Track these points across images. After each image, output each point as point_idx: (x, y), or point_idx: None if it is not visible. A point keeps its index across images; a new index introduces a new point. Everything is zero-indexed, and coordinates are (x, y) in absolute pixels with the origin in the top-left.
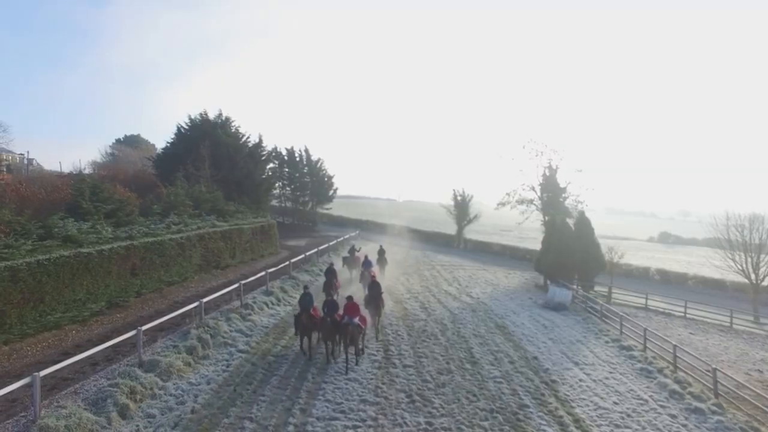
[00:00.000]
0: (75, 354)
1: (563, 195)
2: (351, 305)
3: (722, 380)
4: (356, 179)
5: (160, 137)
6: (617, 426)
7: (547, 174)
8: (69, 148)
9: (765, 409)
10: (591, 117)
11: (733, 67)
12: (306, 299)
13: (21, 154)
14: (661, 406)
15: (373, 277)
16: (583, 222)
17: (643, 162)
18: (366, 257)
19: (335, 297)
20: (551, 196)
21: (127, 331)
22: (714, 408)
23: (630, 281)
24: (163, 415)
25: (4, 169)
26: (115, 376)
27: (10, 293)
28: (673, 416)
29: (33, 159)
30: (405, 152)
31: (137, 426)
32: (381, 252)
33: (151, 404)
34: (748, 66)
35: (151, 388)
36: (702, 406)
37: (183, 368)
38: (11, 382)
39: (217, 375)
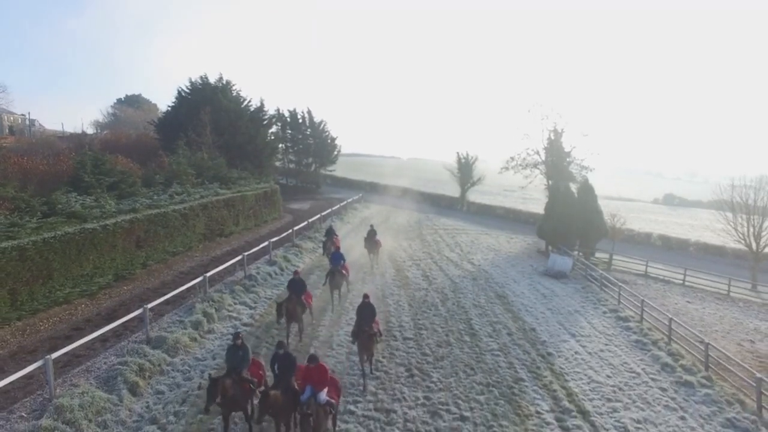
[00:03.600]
0: (85, 328)
1: (568, 159)
2: (315, 370)
3: (714, 351)
4: (361, 137)
5: (161, 96)
6: (608, 399)
7: (552, 138)
8: (70, 107)
9: (751, 382)
10: (600, 75)
11: (748, 26)
12: (236, 355)
13: (22, 115)
14: (653, 379)
15: (366, 297)
16: (587, 189)
17: (653, 122)
18: (337, 249)
19: (297, 334)
20: (556, 160)
21: (134, 303)
22: (703, 381)
23: (632, 247)
24: (171, 391)
25: (7, 131)
26: (124, 354)
27: (19, 272)
28: (663, 389)
29: (35, 120)
30: (411, 109)
31: (147, 403)
32: (371, 233)
33: (159, 380)
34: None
35: (159, 365)
36: (692, 379)
37: (189, 344)
38: (26, 357)
39: (222, 350)
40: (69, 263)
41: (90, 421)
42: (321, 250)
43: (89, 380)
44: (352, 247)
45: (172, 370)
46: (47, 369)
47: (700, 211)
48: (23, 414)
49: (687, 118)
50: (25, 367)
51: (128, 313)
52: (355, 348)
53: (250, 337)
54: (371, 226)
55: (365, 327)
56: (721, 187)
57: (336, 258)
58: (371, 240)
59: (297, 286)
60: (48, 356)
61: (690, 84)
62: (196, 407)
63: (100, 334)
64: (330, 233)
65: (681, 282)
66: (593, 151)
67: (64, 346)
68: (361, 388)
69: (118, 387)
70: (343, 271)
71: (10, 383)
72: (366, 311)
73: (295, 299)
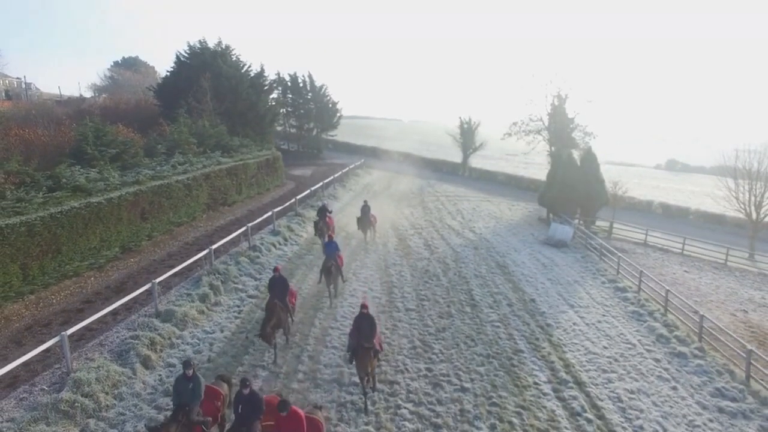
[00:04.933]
0: (96, 301)
1: (571, 126)
2: (286, 420)
3: (708, 322)
4: (362, 99)
5: (159, 59)
6: (604, 371)
7: (556, 104)
8: (66, 69)
9: (741, 353)
10: (605, 38)
11: None
12: (185, 388)
13: (18, 78)
14: (648, 350)
15: (365, 308)
16: (589, 157)
17: (658, 85)
18: (330, 239)
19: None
20: (559, 126)
21: (142, 275)
22: (696, 351)
23: (632, 214)
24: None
25: (3, 95)
26: (135, 327)
27: (28, 247)
28: (657, 360)
29: (31, 83)
30: (413, 71)
31: (160, 375)
32: (365, 210)
33: (170, 354)
34: None
35: (169, 338)
36: (685, 350)
37: (197, 317)
38: (41, 330)
39: (230, 322)
40: (76, 237)
41: (107, 393)
42: (316, 224)
43: (103, 354)
44: (355, 215)
45: (182, 343)
46: (63, 344)
47: (702, 177)
48: (44, 387)
49: (694, 81)
50: (40, 339)
51: (136, 285)
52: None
53: (257, 310)
54: (365, 201)
55: (364, 342)
56: (724, 155)
57: (330, 248)
58: (365, 218)
59: (279, 286)
60: (64, 333)
61: (698, 48)
62: (207, 380)
63: (112, 309)
64: (323, 212)
65: (680, 251)
66: (597, 118)
67: (77, 319)
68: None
69: (131, 360)
70: (340, 264)
71: (30, 356)
72: (364, 324)
73: (278, 305)
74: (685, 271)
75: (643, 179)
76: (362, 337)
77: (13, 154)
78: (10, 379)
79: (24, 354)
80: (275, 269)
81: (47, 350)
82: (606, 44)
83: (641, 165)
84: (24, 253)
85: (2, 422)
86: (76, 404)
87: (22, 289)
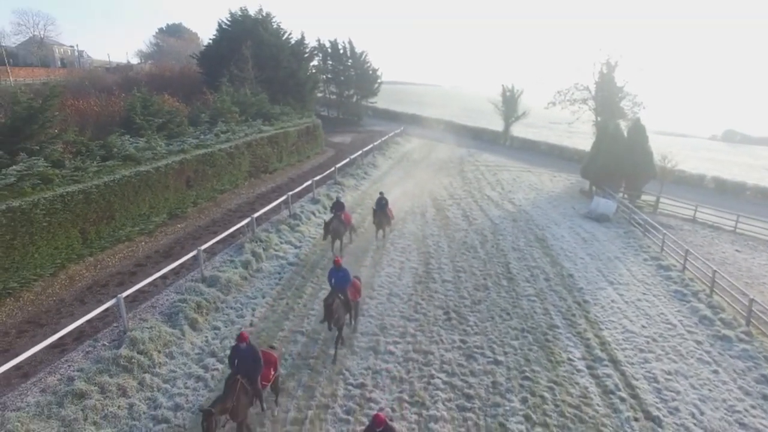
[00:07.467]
0: (146, 264)
1: (620, 95)
2: None
3: (759, 306)
4: (402, 64)
5: (202, 25)
6: (641, 350)
7: (605, 72)
8: (114, 36)
9: None
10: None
11: None
12: None
13: (71, 47)
14: (689, 332)
15: (381, 424)
16: (638, 128)
17: (718, 47)
18: (336, 263)
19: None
20: (607, 96)
21: (188, 241)
22: (742, 336)
23: (682, 189)
24: (226, 327)
25: (59, 63)
26: (183, 292)
27: (86, 213)
28: (699, 342)
29: (83, 51)
30: (454, 35)
31: (206, 337)
32: (381, 203)
33: (215, 317)
34: None
35: (214, 302)
36: (730, 333)
37: (240, 282)
38: (100, 291)
39: (271, 288)
40: (128, 204)
41: (159, 352)
42: (327, 225)
43: (155, 315)
44: (396, 184)
45: (226, 307)
46: (120, 306)
47: (764, 149)
48: (105, 343)
49: (758, 44)
50: (99, 299)
51: (183, 251)
52: (397, 290)
53: (297, 277)
54: (381, 193)
55: None
56: None
57: (338, 279)
58: (382, 212)
59: (246, 359)
60: (120, 295)
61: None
62: None
63: (161, 273)
64: (337, 208)
65: (732, 229)
66: (648, 85)
67: (130, 281)
68: (401, 329)
69: (180, 322)
70: (353, 299)
71: (93, 315)
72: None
73: (241, 388)
74: (737, 251)
75: (696, 151)
76: None
77: (70, 125)
78: (78, 333)
79: (87, 312)
80: (240, 337)
81: (105, 310)
82: (662, 22)
83: (695, 136)
84: (83, 219)
85: (74, 371)
86: (133, 360)
87: (82, 252)
